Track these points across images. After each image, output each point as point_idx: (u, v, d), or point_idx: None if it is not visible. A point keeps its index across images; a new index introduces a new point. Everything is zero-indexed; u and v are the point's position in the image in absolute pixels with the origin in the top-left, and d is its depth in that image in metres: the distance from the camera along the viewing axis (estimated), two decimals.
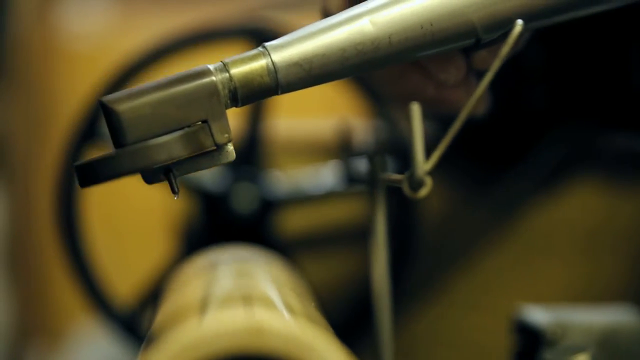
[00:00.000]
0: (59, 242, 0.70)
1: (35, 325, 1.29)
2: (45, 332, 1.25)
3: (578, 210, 0.69)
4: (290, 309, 0.42)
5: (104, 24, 1.36)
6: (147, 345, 0.41)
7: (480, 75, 0.45)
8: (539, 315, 0.55)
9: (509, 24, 0.44)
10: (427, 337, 0.71)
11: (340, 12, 0.44)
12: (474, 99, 0.42)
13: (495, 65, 0.43)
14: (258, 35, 0.69)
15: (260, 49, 0.43)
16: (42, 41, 1.36)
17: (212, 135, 0.41)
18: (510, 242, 0.70)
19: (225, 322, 0.36)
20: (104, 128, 0.69)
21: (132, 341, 0.69)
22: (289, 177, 0.73)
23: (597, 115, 0.67)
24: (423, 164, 0.40)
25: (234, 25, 0.70)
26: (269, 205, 0.71)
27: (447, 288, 0.70)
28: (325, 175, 0.73)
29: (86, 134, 0.69)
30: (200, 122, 0.41)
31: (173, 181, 0.42)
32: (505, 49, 0.43)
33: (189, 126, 0.41)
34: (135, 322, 0.69)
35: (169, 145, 0.40)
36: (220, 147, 0.42)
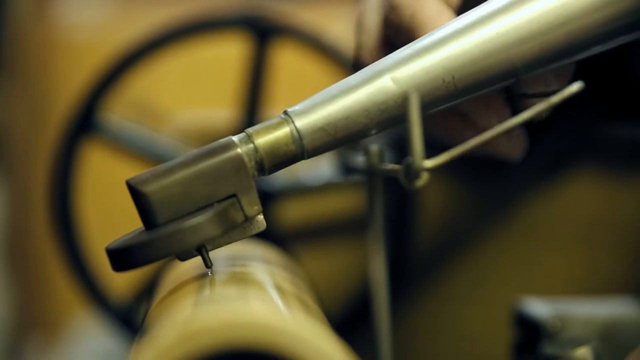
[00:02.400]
0: (55, 236, 0.69)
1: (33, 318, 1.29)
2: (43, 326, 1.25)
3: (578, 201, 0.68)
4: (286, 302, 0.41)
5: (102, 16, 1.36)
6: (140, 338, 0.40)
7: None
8: (538, 307, 0.55)
9: (546, 62, 0.44)
10: (426, 329, 0.71)
11: (360, 70, 0.43)
12: (491, 134, 0.42)
13: (537, 108, 0.42)
14: (256, 24, 0.68)
15: (282, 116, 0.43)
16: (40, 33, 1.35)
17: (242, 209, 0.41)
18: (510, 233, 0.69)
19: (219, 315, 0.35)
20: (100, 119, 0.68)
21: (128, 334, 0.69)
22: (287, 168, 0.73)
23: (597, 105, 0.67)
24: (421, 154, 0.40)
25: (232, 14, 0.69)
26: (266, 197, 0.70)
27: (445, 280, 0.70)
28: (323, 167, 0.73)
29: (82, 125, 0.68)
30: (229, 197, 0.41)
31: (206, 256, 0.42)
32: (556, 99, 0.42)
33: (218, 201, 0.41)
34: (131, 315, 0.69)
35: (201, 226, 0.40)
36: (250, 219, 0.42)
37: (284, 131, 0.43)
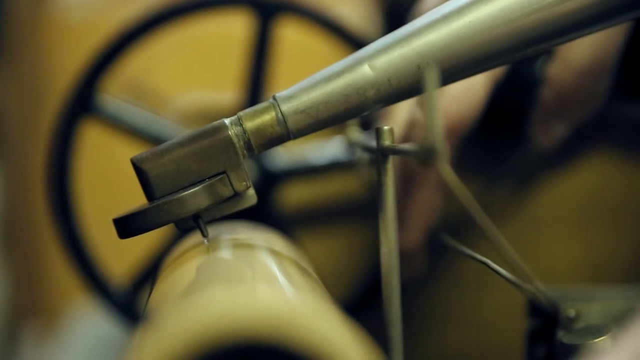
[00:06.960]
0: (53, 220, 0.68)
1: (30, 304, 1.28)
2: (41, 312, 1.24)
3: (593, 185, 0.68)
4: (295, 286, 0.40)
5: None
6: (143, 327, 0.39)
7: None
8: (552, 294, 0.54)
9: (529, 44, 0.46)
10: (437, 316, 0.70)
11: (343, 59, 0.47)
12: None
13: None
14: (259, 2, 0.67)
15: (271, 100, 0.47)
16: (36, 13, 1.34)
17: (231, 184, 0.46)
18: (523, 219, 0.68)
19: (226, 302, 0.34)
20: (99, 100, 0.67)
21: (127, 321, 0.67)
22: (292, 150, 0.71)
23: (612, 85, 0.65)
24: (439, 132, 0.38)
25: None
26: (271, 178, 0.69)
27: (458, 266, 0.69)
28: (329, 149, 0.71)
29: (80, 106, 0.67)
30: (219, 174, 0.46)
31: (202, 226, 0.47)
32: None
33: (209, 177, 0.46)
34: (131, 301, 0.68)
35: (193, 198, 0.46)
36: (240, 194, 0.47)
37: (270, 114, 0.47)
